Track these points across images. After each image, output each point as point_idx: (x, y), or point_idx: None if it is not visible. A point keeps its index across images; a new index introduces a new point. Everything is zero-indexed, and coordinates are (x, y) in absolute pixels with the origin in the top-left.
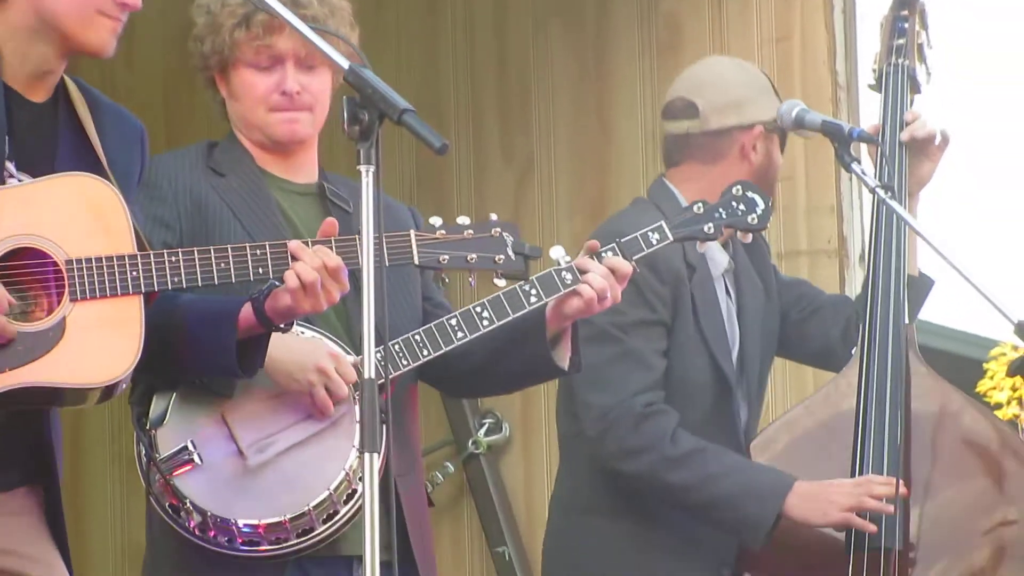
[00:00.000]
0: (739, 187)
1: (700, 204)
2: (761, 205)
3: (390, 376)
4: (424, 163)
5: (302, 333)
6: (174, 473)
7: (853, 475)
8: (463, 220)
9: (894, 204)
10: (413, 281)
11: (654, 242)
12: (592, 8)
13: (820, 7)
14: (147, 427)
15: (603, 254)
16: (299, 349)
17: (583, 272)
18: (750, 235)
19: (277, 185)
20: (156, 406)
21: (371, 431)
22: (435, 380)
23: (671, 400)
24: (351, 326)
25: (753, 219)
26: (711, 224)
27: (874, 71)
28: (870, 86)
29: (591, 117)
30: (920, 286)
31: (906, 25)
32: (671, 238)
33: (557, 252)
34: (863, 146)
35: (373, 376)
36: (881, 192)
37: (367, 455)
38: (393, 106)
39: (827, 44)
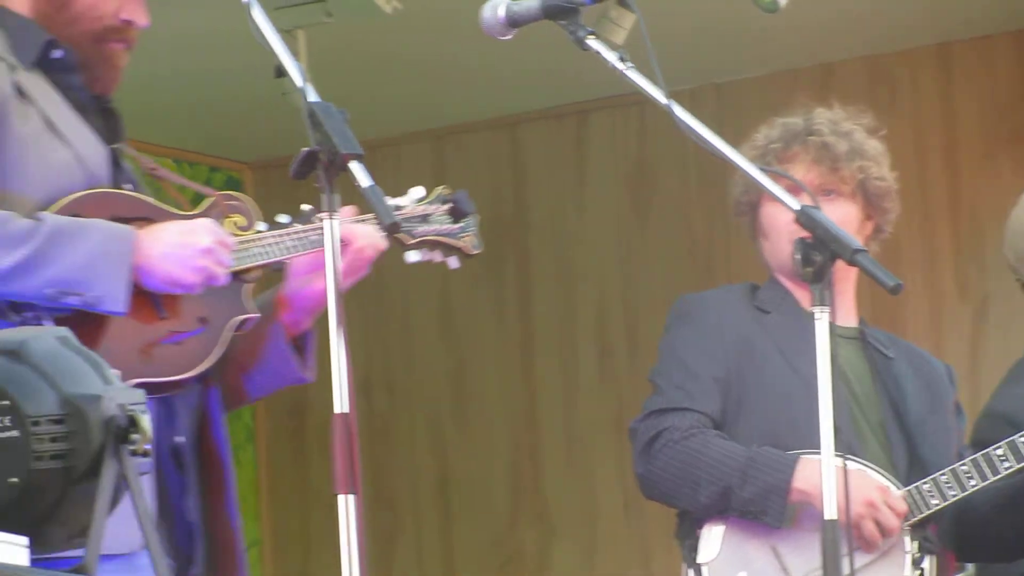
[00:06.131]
0: None
1: None
2: None
3: (936, 508)
4: (878, 298)
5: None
6: None
7: None
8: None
9: None
10: (952, 425)
11: None
12: None
13: None
14: (696, 560)
15: None
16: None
17: None
18: None
19: None
20: (707, 538)
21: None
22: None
23: None
24: (894, 458)
25: None
26: None
27: None
28: None
29: None
30: None
31: None
32: None
33: None
34: None
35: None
36: None
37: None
38: (845, 246)
39: None
